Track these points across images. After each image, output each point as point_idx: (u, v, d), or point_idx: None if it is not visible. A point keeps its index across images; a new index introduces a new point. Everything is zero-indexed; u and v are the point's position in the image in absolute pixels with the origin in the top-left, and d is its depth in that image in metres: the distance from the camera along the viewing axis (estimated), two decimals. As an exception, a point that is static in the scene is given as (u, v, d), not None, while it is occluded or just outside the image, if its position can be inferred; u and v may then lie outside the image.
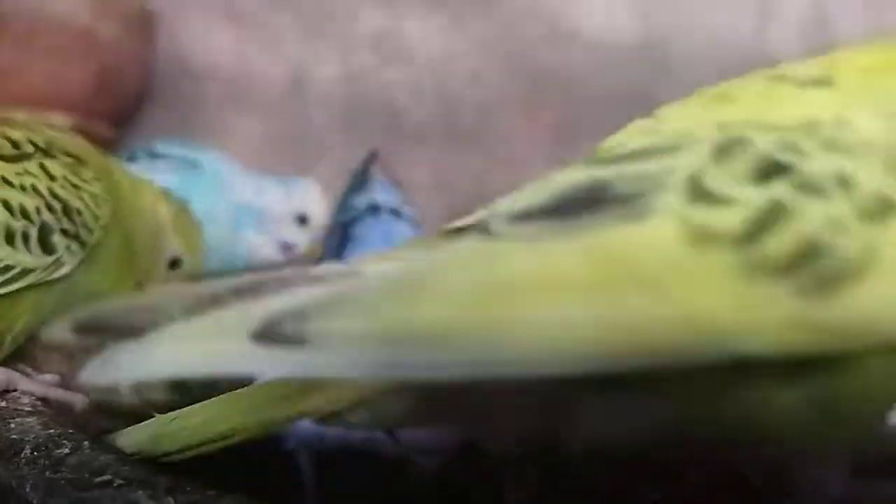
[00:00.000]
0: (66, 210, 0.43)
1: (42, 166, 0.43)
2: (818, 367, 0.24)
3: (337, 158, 1.07)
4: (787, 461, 0.27)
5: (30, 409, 0.41)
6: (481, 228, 0.27)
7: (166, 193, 0.53)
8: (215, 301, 0.28)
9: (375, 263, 0.31)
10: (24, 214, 0.41)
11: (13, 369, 0.43)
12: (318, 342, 0.24)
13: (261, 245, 0.76)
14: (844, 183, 0.25)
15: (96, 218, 0.44)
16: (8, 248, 0.41)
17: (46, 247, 0.42)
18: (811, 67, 0.29)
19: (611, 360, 0.23)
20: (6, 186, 0.41)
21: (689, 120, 0.28)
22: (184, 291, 0.30)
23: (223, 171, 0.76)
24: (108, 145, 0.98)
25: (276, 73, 1.07)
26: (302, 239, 0.78)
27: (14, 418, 0.39)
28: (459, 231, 0.32)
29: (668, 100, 1.10)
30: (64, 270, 0.43)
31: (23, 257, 0.41)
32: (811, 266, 0.24)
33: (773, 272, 0.24)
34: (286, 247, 0.77)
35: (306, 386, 0.30)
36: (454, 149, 1.07)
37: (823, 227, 0.24)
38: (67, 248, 0.43)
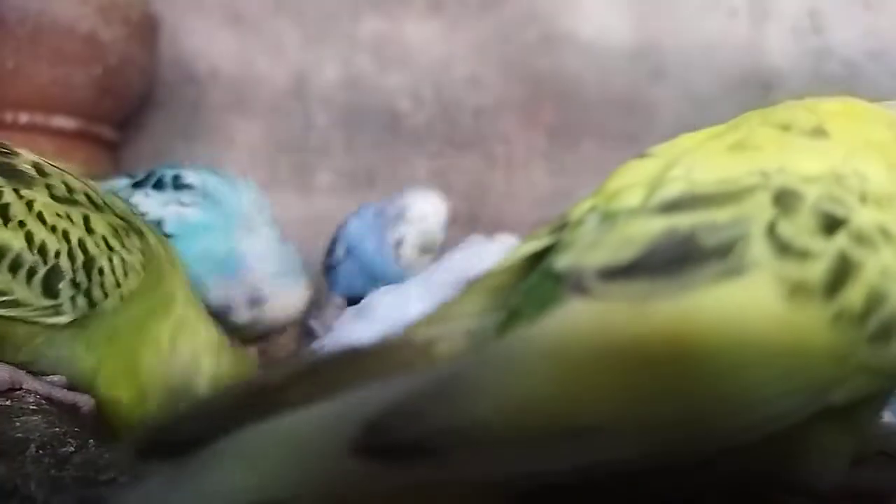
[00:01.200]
0: (88, 264, 0.42)
1: (86, 217, 0.43)
2: (860, 402, 0.26)
3: (338, 161, 1.08)
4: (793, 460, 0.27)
5: (35, 407, 0.41)
6: (574, 286, 0.25)
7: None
8: (281, 392, 0.23)
9: (428, 327, 0.28)
10: (42, 251, 0.41)
11: (19, 367, 0.43)
12: (444, 447, 0.20)
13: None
14: (885, 234, 0.26)
15: (118, 285, 0.43)
16: (7, 276, 0.40)
17: (49, 290, 0.41)
18: (800, 114, 0.30)
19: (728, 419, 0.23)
20: (37, 221, 0.41)
21: (723, 167, 0.28)
22: (247, 383, 0.24)
23: (244, 212, 0.75)
24: (111, 147, 0.98)
25: (277, 77, 1.07)
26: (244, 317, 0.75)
27: (19, 417, 0.39)
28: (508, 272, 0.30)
29: (663, 103, 1.10)
30: (62, 319, 0.41)
31: (19, 289, 0.40)
32: (878, 313, 0.25)
33: (854, 322, 0.25)
34: (253, 301, 0.76)
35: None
36: (453, 151, 1.07)
37: (881, 277, 0.25)
38: (72, 299, 0.41)
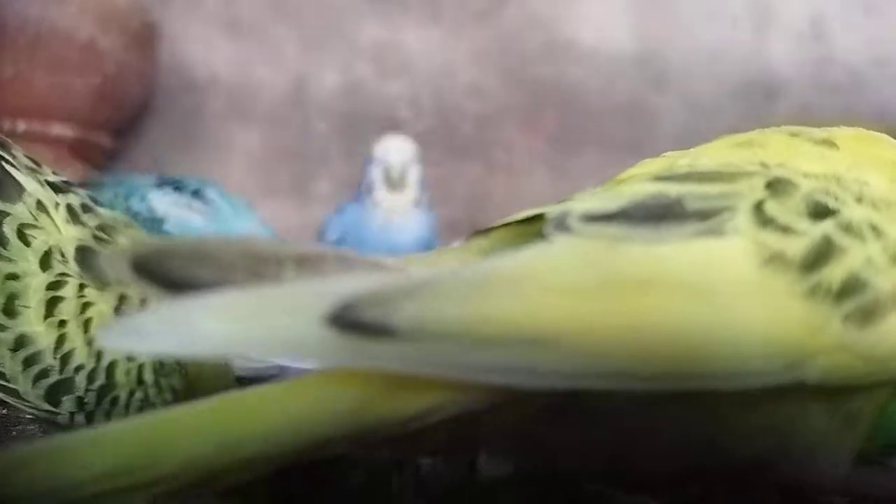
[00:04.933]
0: (104, 389, 0.38)
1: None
2: (850, 389, 0.27)
3: (337, 169, 1.07)
4: (793, 458, 0.28)
5: (31, 416, 0.40)
6: (556, 225, 0.27)
7: None
8: (278, 265, 0.25)
9: (420, 264, 0.29)
10: (64, 360, 0.38)
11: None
12: (406, 333, 0.22)
13: None
14: (876, 230, 0.28)
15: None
16: (18, 366, 0.37)
17: (51, 397, 0.38)
18: (812, 129, 0.32)
19: (687, 367, 0.24)
20: (79, 328, 0.38)
21: (726, 157, 0.30)
22: (249, 246, 0.26)
23: (235, 216, 0.78)
24: (108, 156, 0.98)
25: (276, 85, 1.07)
26: None
27: (15, 426, 0.39)
28: (489, 232, 0.32)
29: (665, 110, 1.11)
30: (60, 421, 0.38)
31: (23, 383, 0.37)
32: (856, 298, 0.26)
33: (829, 299, 0.26)
34: None
35: (387, 384, 0.24)
36: (453, 159, 1.07)
37: (864, 265, 0.27)
38: (72, 415, 0.38)
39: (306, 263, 0.25)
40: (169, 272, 0.24)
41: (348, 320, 0.22)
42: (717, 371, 0.25)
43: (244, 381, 0.44)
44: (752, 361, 0.25)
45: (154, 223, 0.71)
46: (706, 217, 0.26)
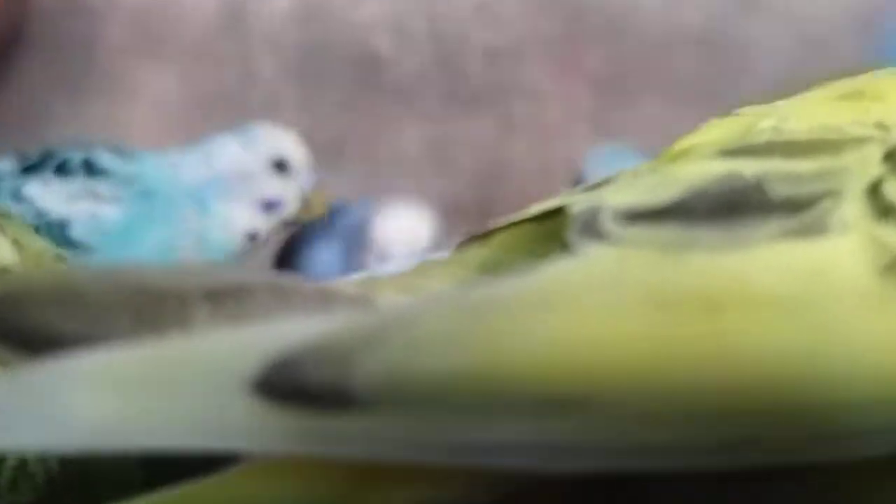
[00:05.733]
0: None
1: None
2: None
3: (289, 125, 1.03)
4: None
5: None
6: (583, 228, 0.27)
7: None
8: (181, 306, 0.25)
9: (392, 289, 0.29)
10: None
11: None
12: (372, 400, 0.22)
13: (237, 214, 0.79)
14: None
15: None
16: None
17: None
18: None
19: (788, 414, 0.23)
20: None
21: (826, 116, 0.30)
22: (137, 279, 0.26)
23: (167, 182, 0.79)
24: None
25: (204, 7, 1.07)
26: (289, 192, 0.81)
27: None
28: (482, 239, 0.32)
29: (757, 43, 1.09)
30: None
31: None
32: None
33: None
34: (270, 205, 0.81)
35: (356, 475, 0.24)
36: (456, 112, 1.06)
37: None
38: None
39: (223, 300, 0.25)
40: (22, 324, 0.24)
41: (287, 385, 0.22)
42: (826, 431, 0.24)
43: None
44: (874, 413, 0.24)
45: (52, 231, 0.70)
46: (799, 208, 0.26)
